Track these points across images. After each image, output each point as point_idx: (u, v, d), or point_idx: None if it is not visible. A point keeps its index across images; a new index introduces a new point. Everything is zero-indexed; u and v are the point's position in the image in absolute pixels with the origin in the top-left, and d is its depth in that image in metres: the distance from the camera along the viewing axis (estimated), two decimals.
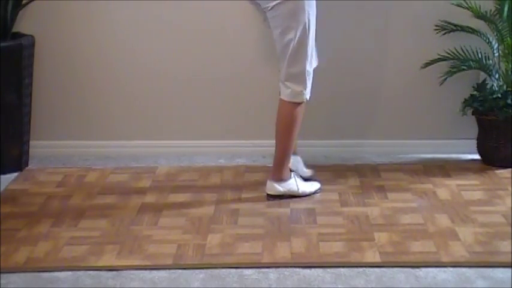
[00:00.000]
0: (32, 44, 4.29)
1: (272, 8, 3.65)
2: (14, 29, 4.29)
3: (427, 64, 4.29)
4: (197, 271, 3.15)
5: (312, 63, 3.75)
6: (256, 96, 4.44)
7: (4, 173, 4.22)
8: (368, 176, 4.14)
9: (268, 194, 3.85)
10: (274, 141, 4.43)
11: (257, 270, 3.14)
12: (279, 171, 3.84)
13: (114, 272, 3.14)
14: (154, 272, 3.15)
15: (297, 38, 3.65)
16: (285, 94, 3.75)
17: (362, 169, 4.23)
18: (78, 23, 4.43)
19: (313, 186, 3.92)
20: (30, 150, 4.39)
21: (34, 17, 4.39)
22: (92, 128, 4.55)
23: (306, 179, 3.94)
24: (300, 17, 3.64)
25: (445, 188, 3.96)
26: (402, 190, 3.94)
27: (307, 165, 4.07)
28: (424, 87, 4.44)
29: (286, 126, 3.78)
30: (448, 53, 4.29)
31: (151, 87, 4.50)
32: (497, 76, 4.26)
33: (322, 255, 3.25)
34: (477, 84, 4.27)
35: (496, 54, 4.26)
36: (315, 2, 3.68)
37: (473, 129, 4.32)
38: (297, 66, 3.70)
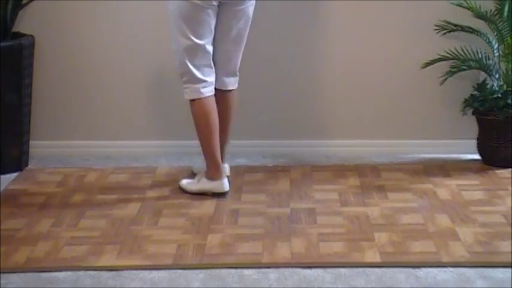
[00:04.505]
0: (32, 44, 4.29)
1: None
2: (14, 29, 4.29)
3: (427, 64, 4.29)
4: (197, 271, 3.14)
5: None
6: (257, 96, 4.44)
7: (4, 173, 4.22)
8: (368, 176, 4.14)
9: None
10: (274, 141, 4.46)
11: (257, 270, 3.14)
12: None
13: (114, 272, 3.14)
14: (154, 272, 3.14)
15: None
16: (236, 82, 3.92)
17: (362, 169, 4.23)
18: (78, 23, 4.43)
19: None
20: (30, 150, 4.39)
21: (34, 17, 4.39)
22: (92, 128, 4.55)
23: None
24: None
25: (445, 188, 3.96)
26: (402, 190, 3.94)
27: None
28: (424, 87, 4.44)
29: (235, 114, 3.96)
30: (448, 53, 4.29)
31: (151, 87, 4.50)
32: (497, 76, 4.26)
33: (322, 255, 3.25)
34: (477, 84, 4.27)
35: (496, 54, 4.26)
36: None
37: (473, 129, 4.32)
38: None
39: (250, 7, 3.80)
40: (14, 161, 4.28)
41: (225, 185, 3.87)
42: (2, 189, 4.03)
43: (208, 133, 3.81)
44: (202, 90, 3.76)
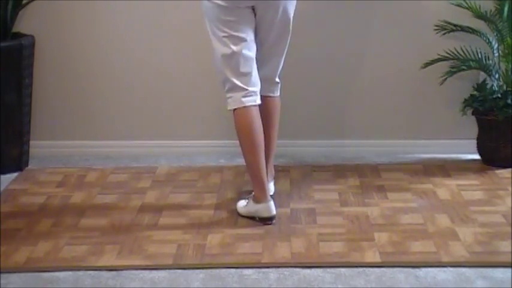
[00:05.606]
0: (32, 44, 4.29)
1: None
2: (14, 29, 4.29)
3: (427, 64, 4.29)
4: (197, 271, 3.15)
5: None
6: None
7: (4, 173, 4.22)
8: (368, 176, 4.14)
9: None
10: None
11: (257, 270, 3.14)
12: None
13: (114, 272, 3.14)
14: (154, 272, 3.15)
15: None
16: (278, 89, 3.72)
17: (362, 169, 4.23)
18: (78, 23, 4.43)
19: None
20: (30, 150, 4.39)
21: (34, 17, 4.39)
22: (92, 128, 4.55)
23: None
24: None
25: (445, 188, 3.96)
26: (402, 190, 3.94)
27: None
28: (424, 87, 4.44)
29: (278, 121, 3.74)
30: (448, 53, 4.29)
31: (151, 87, 4.50)
32: (497, 76, 4.26)
33: (322, 255, 3.25)
34: (477, 84, 4.27)
35: (496, 54, 4.26)
36: None
37: (473, 129, 4.32)
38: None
39: (288, 8, 3.51)
40: (14, 161, 4.28)
41: (271, 208, 3.52)
42: (2, 189, 4.04)
43: (251, 146, 3.48)
44: (243, 99, 3.46)
